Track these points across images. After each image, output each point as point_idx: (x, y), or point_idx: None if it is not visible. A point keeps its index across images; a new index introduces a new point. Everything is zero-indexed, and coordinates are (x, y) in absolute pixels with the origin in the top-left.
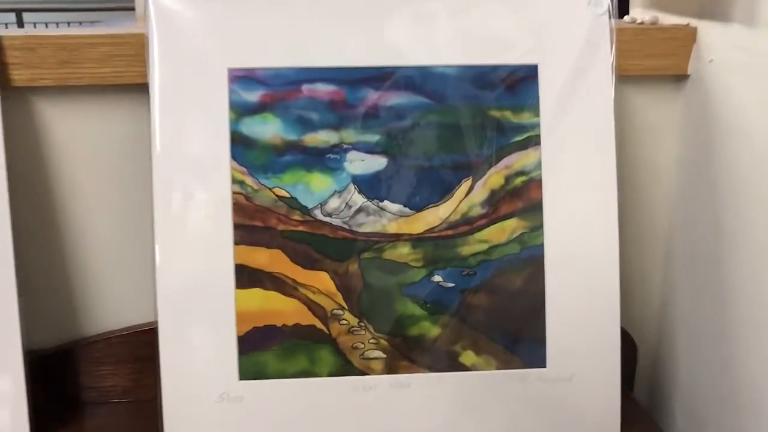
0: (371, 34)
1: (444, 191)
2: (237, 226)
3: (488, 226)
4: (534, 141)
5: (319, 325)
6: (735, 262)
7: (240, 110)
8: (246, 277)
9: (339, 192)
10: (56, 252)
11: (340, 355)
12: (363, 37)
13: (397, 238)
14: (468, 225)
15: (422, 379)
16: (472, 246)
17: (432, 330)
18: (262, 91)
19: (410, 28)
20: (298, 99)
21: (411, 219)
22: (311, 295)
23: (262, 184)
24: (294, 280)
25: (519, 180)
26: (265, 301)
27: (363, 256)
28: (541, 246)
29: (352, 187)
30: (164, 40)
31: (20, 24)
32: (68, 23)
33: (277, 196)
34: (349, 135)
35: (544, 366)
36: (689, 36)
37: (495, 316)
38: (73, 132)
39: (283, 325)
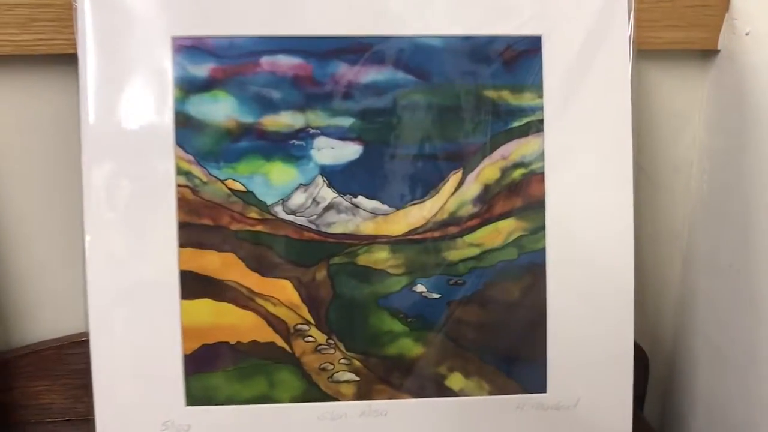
0: None
1: (429, 186)
2: (182, 225)
3: (481, 227)
4: (536, 127)
5: (279, 342)
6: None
7: (186, 87)
8: (193, 285)
9: (304, 185)
10: None
11: (304, 377)
12: (335, 0)
13: (373, 240)
14: (457, 226)
15: (401, 406)
16: (462, 250)
17: (413, 348)
18: (213, 64)
19: None
20: (256, 74)
21: (390, 218)
22: (271, 308)
23: (213, 176)
24: (250, 290)
25: (517, 173)
26: (216, 314)
27: (333, 262)
28: (543, 251)
29: (320, 179)
30: (95, 3)
31: None
32: None
33: (230, 189)
34: (317, 118)
35: (545, 391)
36: (721, 4)
37: (487, 332)
38: None
39: (238, 342)
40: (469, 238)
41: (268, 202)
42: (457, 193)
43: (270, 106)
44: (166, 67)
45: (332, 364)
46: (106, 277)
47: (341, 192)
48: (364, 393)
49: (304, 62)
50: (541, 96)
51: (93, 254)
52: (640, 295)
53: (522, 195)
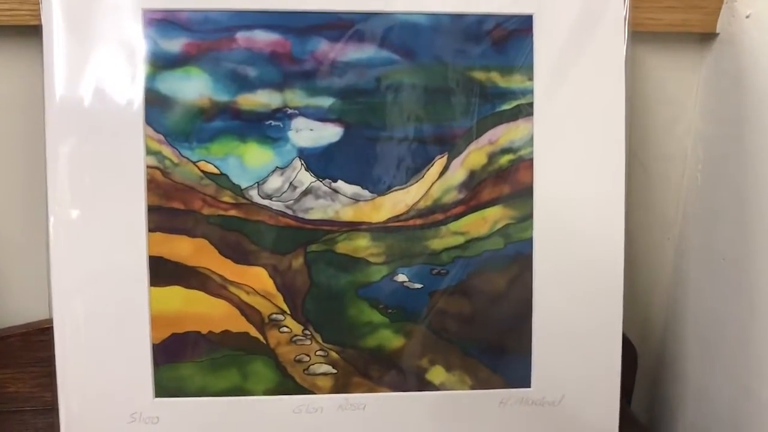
0: None
1: (412, 171)
2: (152, 209)
3: (466, 214)
4: (525, 111)
5: (253, 332)
6: (763, 262)
7: (157, 62)
8: (163, 272)
9: (281, 168)
10: None
11: (279, 369)
12: None
13: (352, 227)
14: (441, 213)
15: (380, 399)
16: (446, 239)
17: (393, 340)
18: (186, 39)
19: None
20: (232, 50)
21: (371, 204)
22: (244, 296)
23: (184, 157)
24: (223, 277)
25: (505, 159)
26: (187, 302)
27: (310, 249)
28: (530, 241)
29: (297, 162)
30: None
31: None
32: None
33: (202, 171)
34: (295, 97)
35: (529, 386)
36: None
37: (471, 324)
38: None
39: (209, 332)
40: (453, 226)
41: (243, 186)
42: (441, 179)
43: (246, 85)
44: (136, 41)
45: (308, 355)
46: (71, 262)
47: (320, 176)
48: (341, 386)
49: (282, 38)
50: (531, 78)
51: (57, 238)
52: (630, 287)
53: (510, 182)
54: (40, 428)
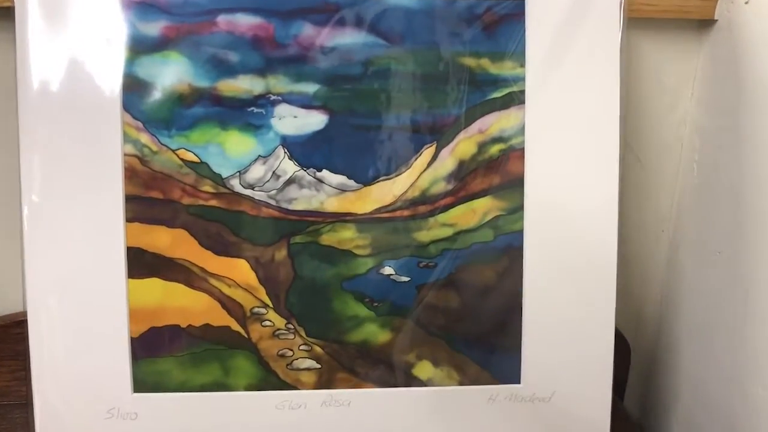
0: None
1: (400, 160)
2: (130, 199)
3: (455, 206)
4: (517, 99)
5: (235, 326)
6: (759, 257)
7: (135, 46)
8: (141, 263)
9: (264, 157)
10: None
11: (261, 364)
12: None
13: (338, 218)
14: (429, 204)
15: (365, 396)
16: (434, 231)
17: (379, 335)
18: (165, 22)
19: None
20: (212, 33)
21: (356, 195)
22: (225, 289)
23: (163, 144)
24: (203, 269)
25: (495, 148)
26: (166, 295)
27: (294, 241)
28: (520, 233)
29: (281, 151)
30: None
31: None
32: None
33: (182, 160)
34: (279, 83)
35: (518, 382)
36: None
37: (459, 319)
38: None
39: (189, 325)
40: (441, 217)
41: (224, 175)
42: (429, 169)
43: (227, 70)
44: (113, 24)
45: (291, 350)
46: (46, 254)
47: (304, 165)
48: (325, 381)
49: (264, 22)
50: (523, 65)
51: (31, 228)
52: (623, 281)
53: (500, 172)
54: (18, 423)
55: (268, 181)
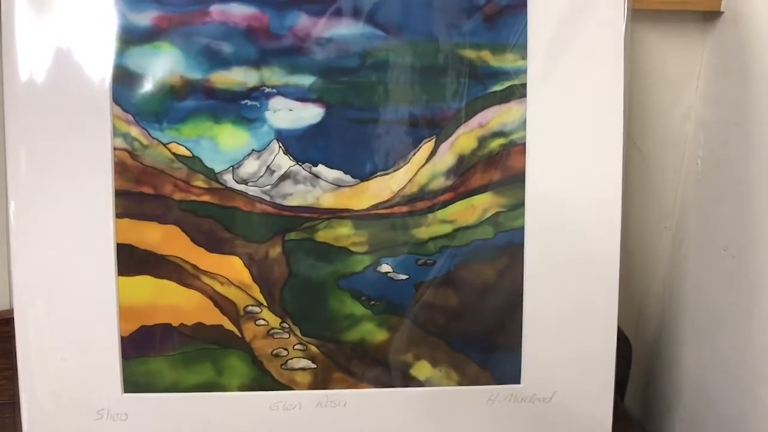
0: None
1: (398, 155)
2: (120, 194)
3: (454, 202)
4: (518, 92)
5: (228, 325)
6: (764, 254)
7: (126, 37)
8: (131, 260)
9: (258, 151)
10: None
11: (255, 363)
12: None
13: (334, 214)
14: (428, 200)
15: (362, 396)
16: (433, 227)
17: (376, 334)
18: (156, 11)
19: None
20: (205, 24)
21: (353, 190)
22: (218, 287)
23: (154, 138)
24: (195, 267)
25: (496, 143)
26: (157, 293)
27: (288, 237)
28: (521, 230)
29: (275, 145)
30: None
31: None
32: None
33: (173, 154)
34: (273, 75)
35: (519, 382)
36: None
37: (458, 318)
38: None
39: (181, 324)
40: (440, 214)
41: (217, 170)
42: (428, 164)
43: (220, 61)
44: (103, 14)
45: (286, 349)
46: (33, 250)
47: (299, 160)
48: (320, 382)
49: (259, 12)
50: (524, 57)
51: (18, 224)
52: (625, 278)
53: (500, 167)
54: (9, 422)
55: (262, 176)
